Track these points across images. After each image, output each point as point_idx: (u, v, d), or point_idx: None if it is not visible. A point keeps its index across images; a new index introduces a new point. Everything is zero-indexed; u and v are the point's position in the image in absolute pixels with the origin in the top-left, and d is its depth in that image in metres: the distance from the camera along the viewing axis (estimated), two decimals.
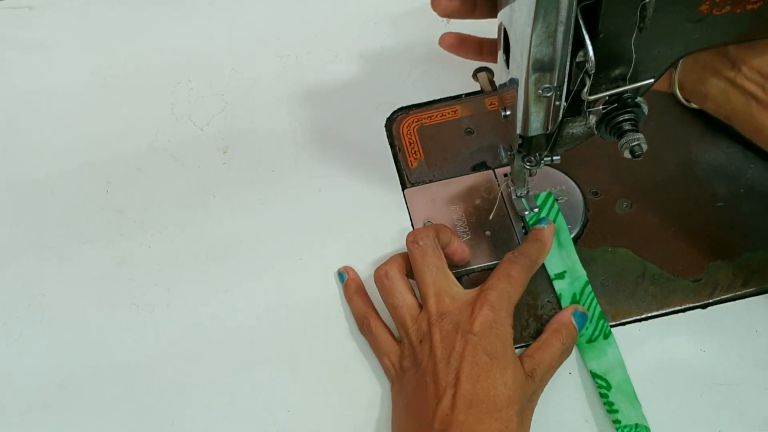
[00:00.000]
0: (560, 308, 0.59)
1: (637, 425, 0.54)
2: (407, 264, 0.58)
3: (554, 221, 0.61)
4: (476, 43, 0.56)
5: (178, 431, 0.57)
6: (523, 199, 0.62)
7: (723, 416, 0.54)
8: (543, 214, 0.62)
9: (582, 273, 0.60)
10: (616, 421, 0.54)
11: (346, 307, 0.61)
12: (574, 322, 0.57)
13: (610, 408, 0.55)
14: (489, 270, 0.61)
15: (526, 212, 0.62)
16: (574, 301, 0.59)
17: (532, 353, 0.55)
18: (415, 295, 0.57)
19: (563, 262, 0.60)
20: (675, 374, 0.56)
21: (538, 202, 0.62)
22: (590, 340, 0.57)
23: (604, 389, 0.55)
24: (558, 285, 0.60)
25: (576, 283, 0.59)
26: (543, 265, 0.60)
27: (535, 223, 0.61)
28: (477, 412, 0.49)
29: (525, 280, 0.56)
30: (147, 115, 0.72)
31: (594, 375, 0.56)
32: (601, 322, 0.58)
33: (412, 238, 0.57)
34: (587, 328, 0.58)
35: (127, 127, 0.72)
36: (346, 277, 0.61)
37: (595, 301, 0.59)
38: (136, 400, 0.58)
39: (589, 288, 0.59)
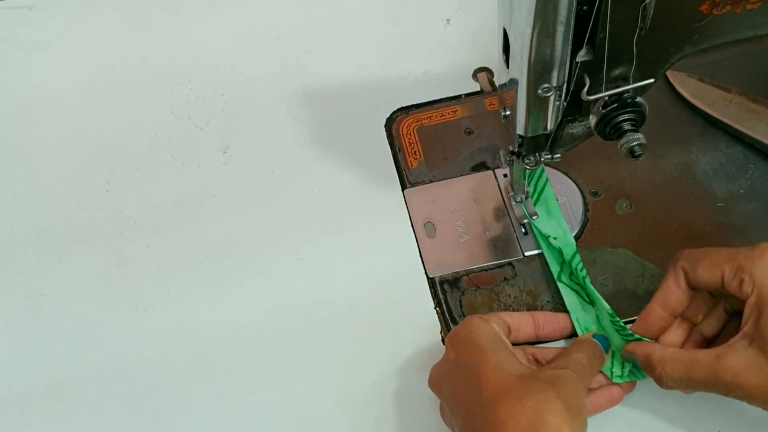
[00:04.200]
0: (551, 273, 0.59)
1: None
2: None
3: (542, 191, 0.62)
4: None
5: (178, 431, 0.57)
6: (522, 205, 0.62)
7: (723, 416, 0.54)
8: (531, 185, 0.62)
9: (572, 242, 0.60)
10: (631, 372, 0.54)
11: (346, 306, 0.61)
12: (595, 340, 0.54)
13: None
14: (488, 270, 0.61)
15: (525, 220, 0.62)
16: (563, 262, 0.59)
17: (553, 360, 0.52)
18: None
19: (553, 230, 0.61)
20: None
21: (525, 177, 0.61)
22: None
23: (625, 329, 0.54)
24: (552, 243, 0.60)
25: (567, 249, 0.59)
26: (534, 225, 0.61)
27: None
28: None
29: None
30: (147, 116, 0.72)
31: (612, 315, 0.54)
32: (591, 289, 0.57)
33: None
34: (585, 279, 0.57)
35: (127, 127, 0.72)
36: None
37: (584, 270, 0.58)
38: (137, 399, 0.58)
39: (578, 257, 0.59)
